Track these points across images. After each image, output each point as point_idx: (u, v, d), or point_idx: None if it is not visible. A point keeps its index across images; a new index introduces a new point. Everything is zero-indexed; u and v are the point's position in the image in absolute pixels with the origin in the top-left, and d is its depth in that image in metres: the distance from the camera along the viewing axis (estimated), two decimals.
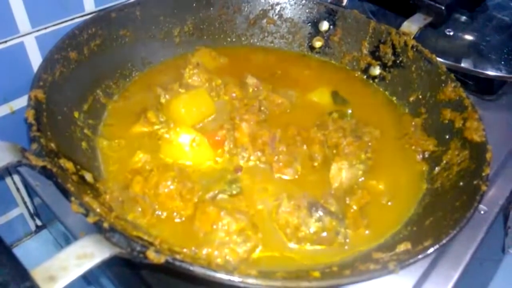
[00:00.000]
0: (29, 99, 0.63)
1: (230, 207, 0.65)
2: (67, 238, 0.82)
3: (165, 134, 0.75)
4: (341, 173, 0.74)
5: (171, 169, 0.68)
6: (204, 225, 0.62)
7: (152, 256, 0.48)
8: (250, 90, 0.88)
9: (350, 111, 0.87)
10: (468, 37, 1.06)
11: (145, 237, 0.53)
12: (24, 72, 0.80)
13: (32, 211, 0.99)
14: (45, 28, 0.80)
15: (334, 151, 0.78)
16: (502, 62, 1.00)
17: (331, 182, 0.74)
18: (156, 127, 0.78)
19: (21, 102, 0.83)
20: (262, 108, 0.83)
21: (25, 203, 0.97)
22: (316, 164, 0.77)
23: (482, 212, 0.80)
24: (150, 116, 0.78)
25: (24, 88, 0.81)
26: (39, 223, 1.02)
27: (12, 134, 0.83)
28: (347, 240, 0.66)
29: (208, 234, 0.61)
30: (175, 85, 0.84)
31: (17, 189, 0.94)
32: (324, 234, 0.65)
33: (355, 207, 0.70)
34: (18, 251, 0.98)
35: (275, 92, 0.88)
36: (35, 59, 0.81)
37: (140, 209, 0.64)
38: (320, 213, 0.65)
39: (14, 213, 0.97)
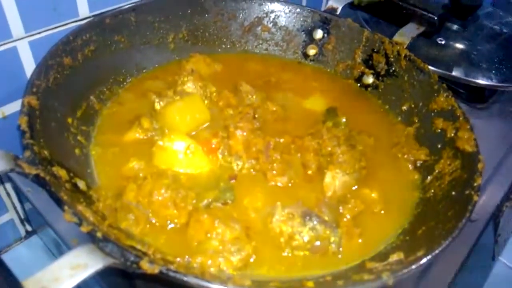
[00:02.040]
0: (22, 105, 0.63)
1: (224, 216, 0.65)
2: (57, 244, 0.81)
3: (159, 141, 0.74)
4: (335, 181, 0.74)
5: (165, 177, 0.68)
6: (198, 234, 0.62)
7: (146, 266, 0.48)
8: (244, 97, 0.88)
9: (344, 119, 0.87)
10: (460, 46, 1.08)
11: (139, 247, 0.53)
12: (17, 77, 0.80)
13: (22, 216, 0.98)
14: (39, 33, 0.79)
15: (328, 159, 0.78)
16: (493, 71, 1.01)
17: (325, 191, 0.74)
18: (150, 134, 0.78)
19: (13, 107, 0.82)
20: (256, 116, 0.83)
21: (15, 208, 0.96)
22: (310, 172, 0.77)
23: (472, 220, 0.80)
24: (144, 122, 0.77)
25: (16, 93, 0.80)
26: (29, 228, 1.01)
27: (3, 140, 0.82)
28: (341, 249, 0.66)
29: (202, 243, 0.61)
30: (169, 91, 0.84)
31: (8, 194, 0.93)
32: (318, 243, 0.65)
33: (348, 216, 0.70)
34: (7, 257, 0.97)
35: (269, 100, 0.88)
36: (28, 64, 0.80)
37: (133, 217, 0.64)
38: (314, 222, 0.66)
39: (4, 218, 0.95)
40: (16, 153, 0.61)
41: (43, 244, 1.00)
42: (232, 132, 0.76)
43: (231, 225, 0.62)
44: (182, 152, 0.74)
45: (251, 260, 0.63)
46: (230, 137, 0.76)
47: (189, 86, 0.85)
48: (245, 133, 0.76)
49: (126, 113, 0.83)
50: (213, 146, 0.76)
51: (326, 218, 0.68)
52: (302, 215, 0.66)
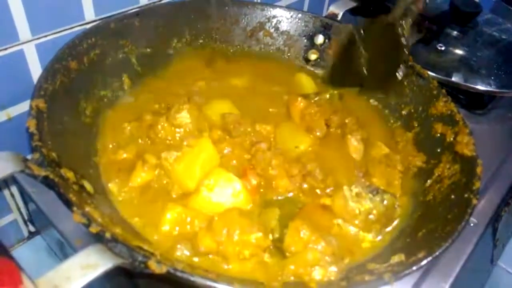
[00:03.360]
0: (31, 108, 0.64)
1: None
2: (61, 245, 0.82)
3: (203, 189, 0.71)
4: (360, 144, 0.82)
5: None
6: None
7: (154, 266, 0.49)
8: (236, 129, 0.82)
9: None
10: (459, 52, 1.09)
11: (145, 247, 0.54)
12: (23, 80, 0.81)
13: (26, 217, 0.99)
14: (45, 36, 0.80)
15: (339, 131, 0.86)
16: (492, 77, 1.03)
17: (353, 156, 0.82)
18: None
19: (19, 109, 0.83)
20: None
21: (19, 209, 0.97)
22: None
23: (472, 224, 0.82)
24: (150, 160, 0.73)
25: (22, 95, 0.81)
26: (32, 229, 1.02)
27: (9, 141, 0.83)
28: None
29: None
30: (164, 120, 0.79)
31: (12, 195, 0.94)
32: (388, 211, 0.72)
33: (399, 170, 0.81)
34: None
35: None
36: (34, 67, 0.81)
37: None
38: (380, 194, 0.72)
39: (7, 219, 0.96)
40: (22, 154, 0.62)
41: (46, 244, 1.00)
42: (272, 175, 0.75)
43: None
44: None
45: None
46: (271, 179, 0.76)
47: (183, 115, 0.79)
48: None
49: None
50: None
51: (382, 187, 0.75)
52: (369, 191, 0.72)
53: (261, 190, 0.75)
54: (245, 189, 0.72)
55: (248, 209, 0.72)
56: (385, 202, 0.72)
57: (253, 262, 0.64)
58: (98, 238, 0.51)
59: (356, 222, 0.71)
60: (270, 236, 0.66)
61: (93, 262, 0.46)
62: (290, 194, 0.75)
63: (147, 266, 0.49)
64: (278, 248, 0.65)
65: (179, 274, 0.49)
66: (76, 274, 0.45)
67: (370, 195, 0.72)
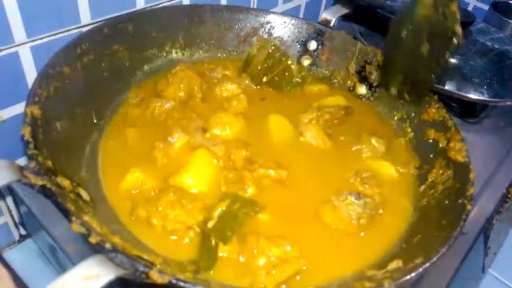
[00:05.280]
0: (25, 115, 0.63)
1: None
2: (52, 249, 0.81)
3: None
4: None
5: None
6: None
7: (156, 276, 0.49)
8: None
9: None
10: (452, 60, 1.09)
11: (145, 256, 0.53)
12: (17, 82, 0.79)
13: (17, 220, 0.98)
14: (41, 38, 0.79)
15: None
16: (485, 87, 1.03)
17: None
18: None
19: (12, 111, 0.82)
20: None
21: (10, 212, 0.95)
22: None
23: (464, 232, 0.82)
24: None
25: (16, 97, 0.80)
26: (23, 232, 1.00)
27: (2, 144, 0.82)
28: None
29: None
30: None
31: (3, 197, 0.92)
32: (373, 212, 0.74)
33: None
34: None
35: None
36: (29, 69, 0.80)
37: None
38: (363, 198, 0.74)
39: None
40: (15, 157, 0.60)
41: (37, 248, 0.99)
42: None
43: None
44: None
45: None
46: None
47: None
48: None
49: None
50: None
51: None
52: (354, 197, 0.74)
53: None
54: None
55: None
56: (368, 203, 0.74)
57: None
58: (98, 248, 0.50)
59: (353, 222, 0.72)
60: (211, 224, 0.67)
61: (95, 273, 0.45)
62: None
63: (149, 276, 0.49)
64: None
65: (181, 284, 0.49)
66: (78, 286, 0.44)
67: (356, 200, 0.73)
